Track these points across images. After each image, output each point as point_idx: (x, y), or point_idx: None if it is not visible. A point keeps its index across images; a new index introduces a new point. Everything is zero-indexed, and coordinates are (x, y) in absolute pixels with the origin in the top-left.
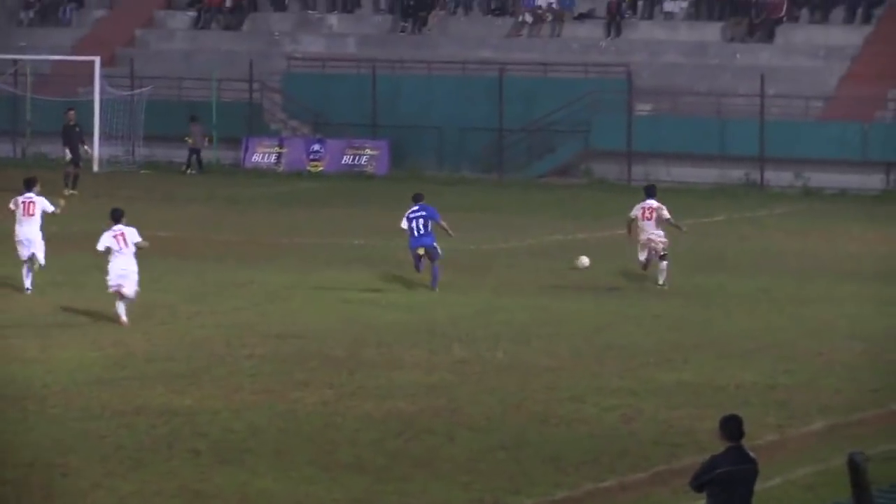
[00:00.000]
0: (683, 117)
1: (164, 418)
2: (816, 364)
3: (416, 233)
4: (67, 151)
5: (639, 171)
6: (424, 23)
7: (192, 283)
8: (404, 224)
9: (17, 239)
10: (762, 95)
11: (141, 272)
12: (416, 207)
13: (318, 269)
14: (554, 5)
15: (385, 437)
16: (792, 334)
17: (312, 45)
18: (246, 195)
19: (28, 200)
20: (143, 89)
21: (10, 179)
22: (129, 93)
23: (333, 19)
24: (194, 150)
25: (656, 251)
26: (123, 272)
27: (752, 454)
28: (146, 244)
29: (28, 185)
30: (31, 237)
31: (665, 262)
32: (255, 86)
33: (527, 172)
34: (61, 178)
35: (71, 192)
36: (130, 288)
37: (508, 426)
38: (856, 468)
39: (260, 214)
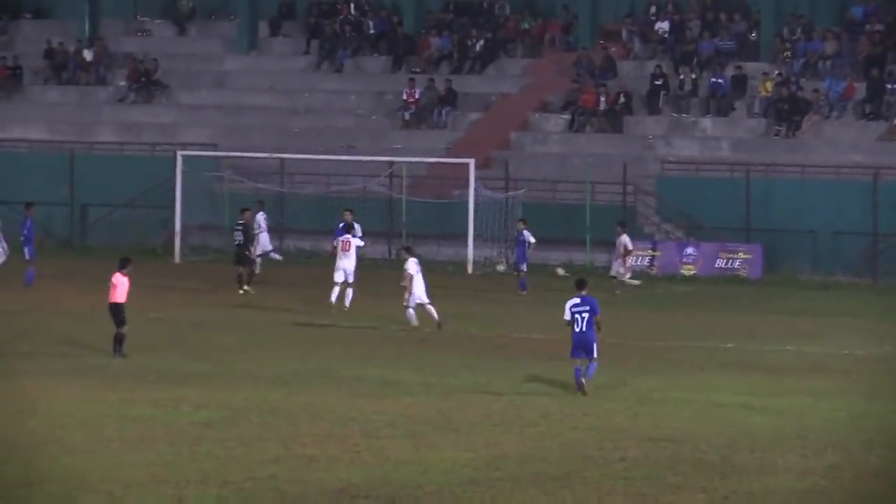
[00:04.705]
0: None
1: None
2: None
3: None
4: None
5: None
6: (798, 127)
7: (565, 384)
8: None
9: (336, 268)
10: None
11: (513, 371)
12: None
13: (691, 372)
14: None
15: None
16: None
17: (686, 148)
18: (618, 298)
19: (345, 239)
20: (518, 192)
21: (382, 282)
22: (504, 195)
23: (707, 123)
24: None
25: None
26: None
27: None
28: None
29: (346, 229)
30: (347, 267)
31: None
32: (629, 189)
33: None
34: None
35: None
36: None
37: None
38: None
39: (633, 317)
